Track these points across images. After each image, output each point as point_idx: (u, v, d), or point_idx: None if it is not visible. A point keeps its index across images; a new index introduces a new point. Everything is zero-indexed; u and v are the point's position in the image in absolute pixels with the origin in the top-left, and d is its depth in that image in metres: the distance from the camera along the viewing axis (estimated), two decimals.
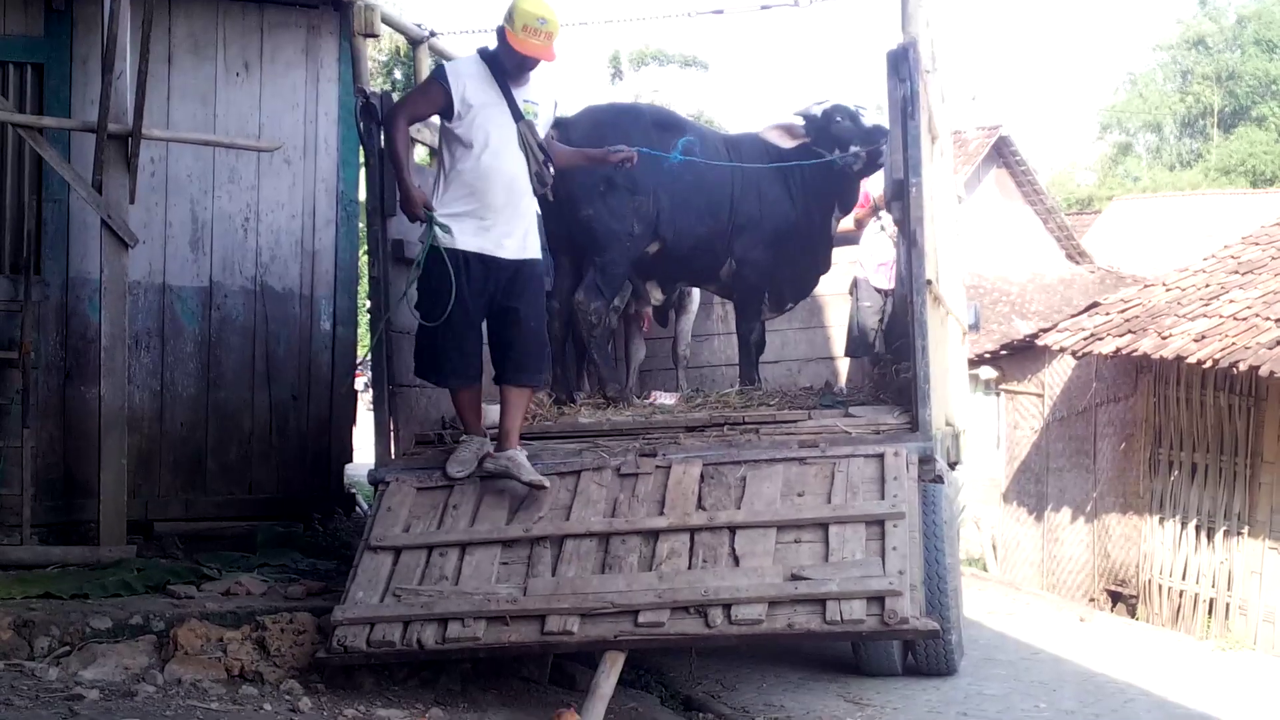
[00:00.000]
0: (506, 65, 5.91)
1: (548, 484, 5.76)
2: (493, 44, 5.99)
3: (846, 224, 8.62)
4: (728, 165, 7.31)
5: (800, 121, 7.51)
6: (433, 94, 5.95)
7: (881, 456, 5.73)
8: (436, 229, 5.84)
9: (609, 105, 7.62)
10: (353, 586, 5.53)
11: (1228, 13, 43.53)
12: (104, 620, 5.68)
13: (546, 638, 5.23)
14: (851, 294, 9.10)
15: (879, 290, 8.90)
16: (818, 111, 7.47)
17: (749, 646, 7.08)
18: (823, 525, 5.43)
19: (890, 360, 7.95)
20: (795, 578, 5.18)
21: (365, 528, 6.02)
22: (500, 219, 5.91)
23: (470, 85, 5.87)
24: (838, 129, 7.39)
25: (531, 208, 6.08)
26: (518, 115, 5.90)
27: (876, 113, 7.29)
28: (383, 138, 6.14)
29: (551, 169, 6.12)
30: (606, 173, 6.92)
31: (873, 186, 8.50)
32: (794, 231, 7.57)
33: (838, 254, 8.25)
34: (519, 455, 5.87)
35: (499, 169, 5.87)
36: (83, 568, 6.66)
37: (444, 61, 6.03)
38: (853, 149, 7.32)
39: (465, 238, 5.88)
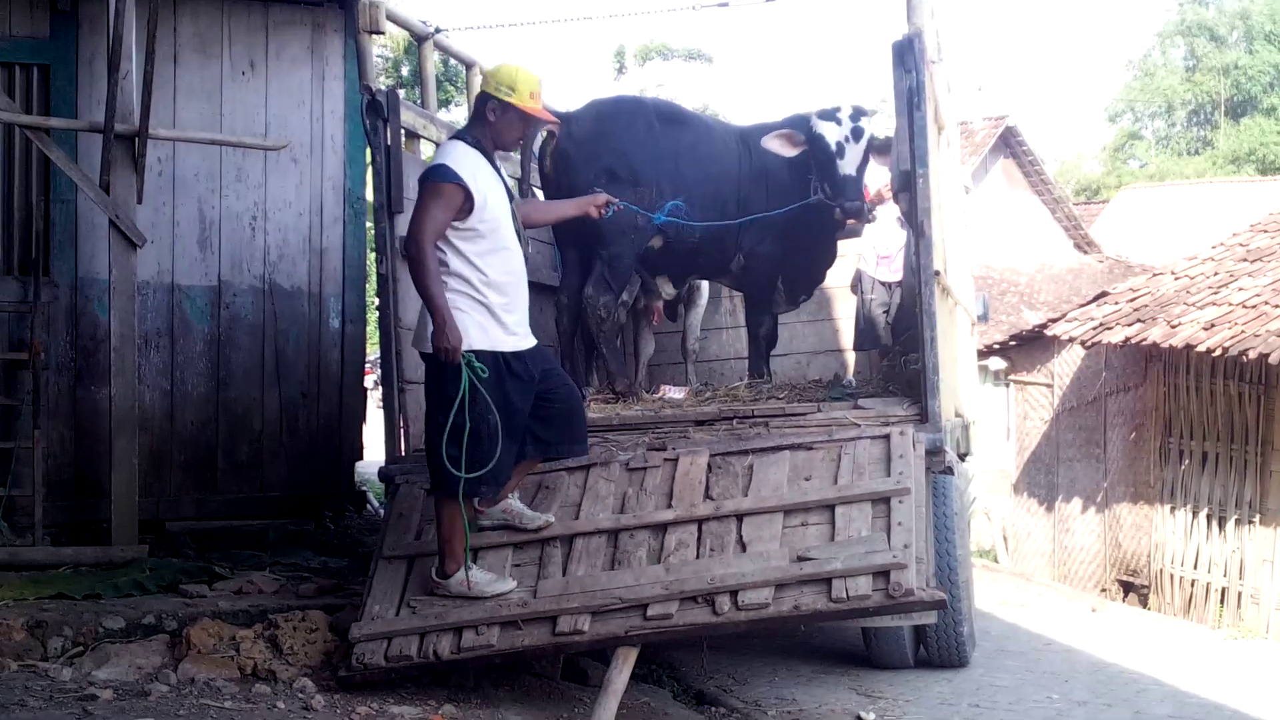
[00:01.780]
0: (504, 140, 5.41)
1: (553, 520, 5.61)
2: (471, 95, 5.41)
3: None
4: (730, 219, 7.21)
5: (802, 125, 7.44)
6: (452, 198, 5.09)
7: (888, 437, 5.72)
8: (475, 372, 5.12)
9: (612, 98, 7.55)
10: (369, 600, 5.52)
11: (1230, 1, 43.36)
12: (117, 620, 5.70)
13: (558, 639, 5.22)
14: (854, 288, 9.09)
15: (882, 283, 8.90)
16: (810, 129, 7.32)
17: (760, 636, 7.09)
18: (829, 506, 5.41)
19: (899, 352, 7.93)
20: (801, 559, 5.16)
21: (379, 534, 6.01)
22: (522, 309, 5.38)
23: (479, 175, 5.19)
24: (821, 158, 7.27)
25: None
26: (510, 195, 5.40)
27: (882, 106, 7.17)
28: (414, 274, 5.11)
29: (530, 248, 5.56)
30: (608, 165, 6.91)
31: (872, 180, 8.46)
32: (803, 224, 7.53)
33: (841, 246, 8.23)
34: (515, 504, 5.60)
35: (515, 260, 5.33)
36: (95, 568, 6.68)
37: (443, 161, 5.17)
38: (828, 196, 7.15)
39: (501, 338, 5.26)
